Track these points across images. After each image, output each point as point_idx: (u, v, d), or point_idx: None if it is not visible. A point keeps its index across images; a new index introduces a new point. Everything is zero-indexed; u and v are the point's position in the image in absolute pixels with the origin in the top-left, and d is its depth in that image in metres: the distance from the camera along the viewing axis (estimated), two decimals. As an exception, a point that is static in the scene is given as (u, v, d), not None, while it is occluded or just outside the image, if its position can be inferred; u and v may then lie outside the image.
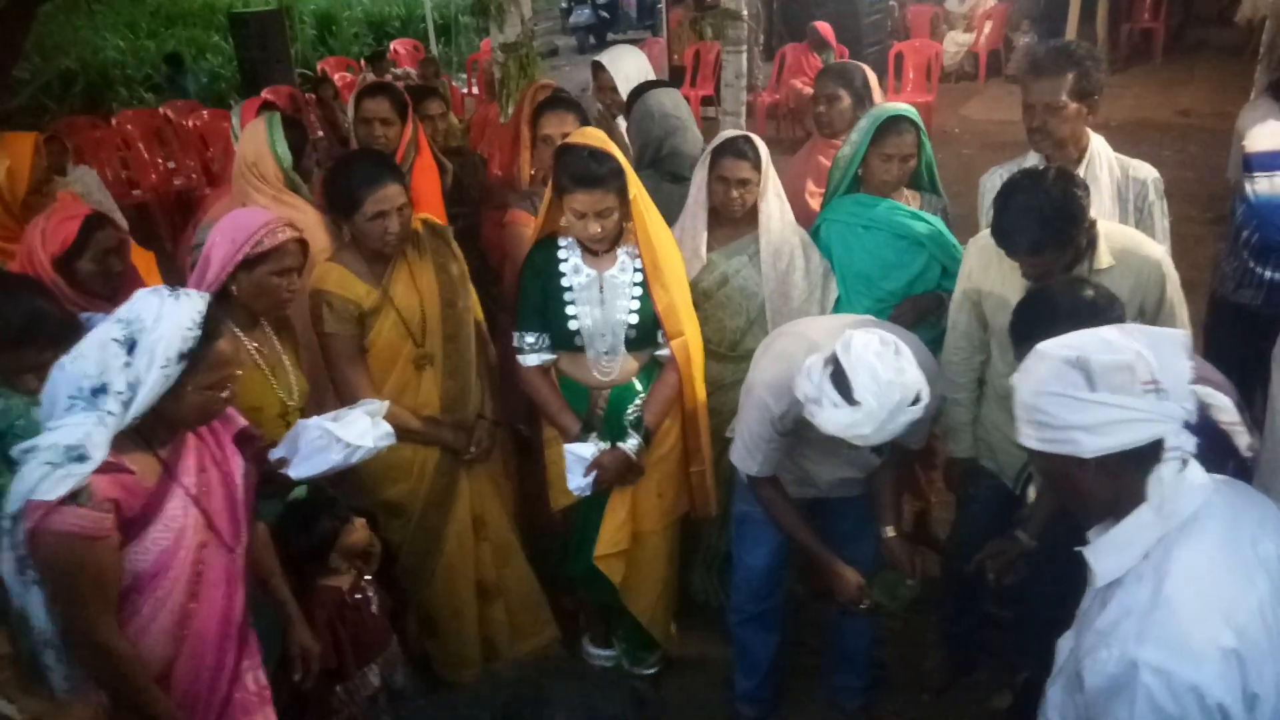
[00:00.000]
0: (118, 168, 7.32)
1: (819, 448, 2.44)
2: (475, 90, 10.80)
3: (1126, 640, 1.33)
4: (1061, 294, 2.04)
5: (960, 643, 3.04)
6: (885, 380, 1.98)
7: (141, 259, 3.03)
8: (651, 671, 3.08)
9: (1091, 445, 1.38)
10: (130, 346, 1.72)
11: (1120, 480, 1.42)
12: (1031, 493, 2.73)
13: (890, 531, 2.48)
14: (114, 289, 2.51)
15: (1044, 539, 2.59)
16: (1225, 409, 1.43)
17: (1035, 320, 2.00)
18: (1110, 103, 2.63)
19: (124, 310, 1.78)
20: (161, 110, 8.24)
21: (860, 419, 1.99)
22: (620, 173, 2.50)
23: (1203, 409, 1.42)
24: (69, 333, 2.01)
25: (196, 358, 1.77)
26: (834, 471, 2.51)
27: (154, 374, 1.72)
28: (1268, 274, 3.22)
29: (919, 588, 2.47)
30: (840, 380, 2.02)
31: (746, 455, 2.43)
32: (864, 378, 1.98)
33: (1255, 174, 3.18)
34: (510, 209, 3.21)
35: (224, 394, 1.88)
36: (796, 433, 2.37)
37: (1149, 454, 1.39)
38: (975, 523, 2.85)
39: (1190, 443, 1.39)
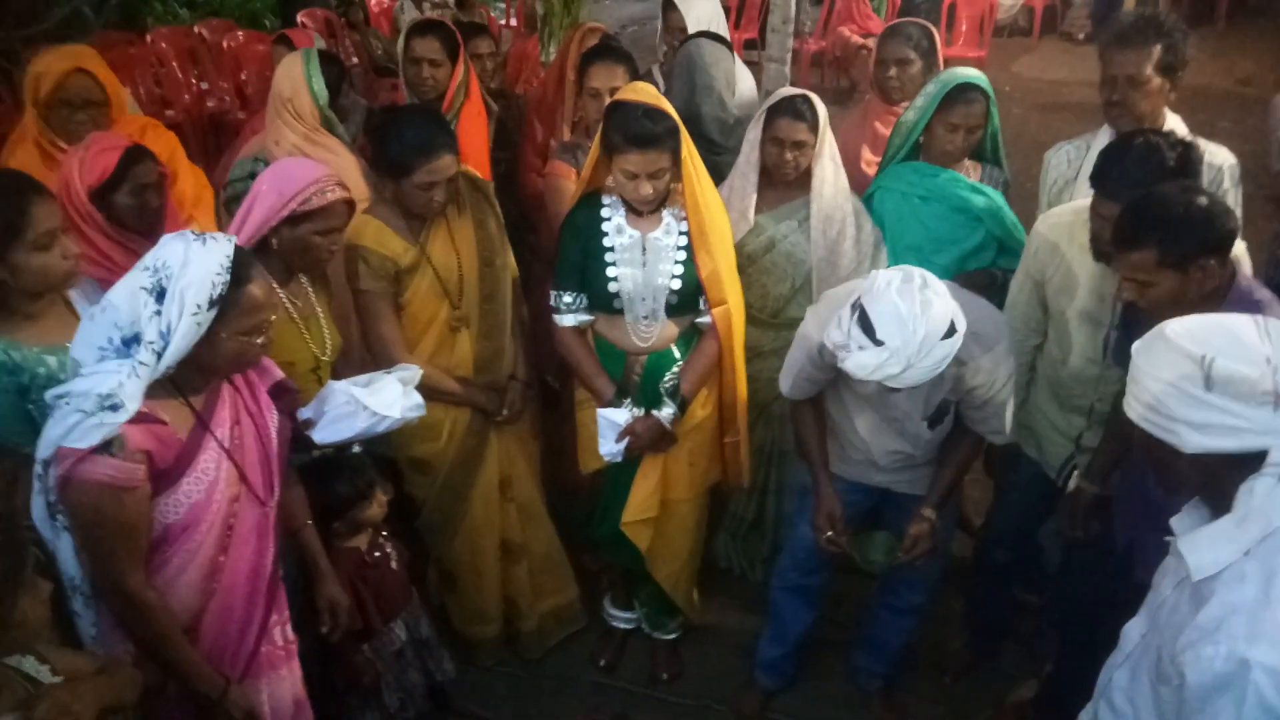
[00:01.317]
0: (151, 86, 7.21)
1: (871, 407, 2.38)
2: (514, 22, 10.55)
3: (1236, 638, 1.32)
4: (1174, 198, 1.91)
5: (986, 627, 3.01)
6: (909, 314, 1.92)
7: (193, 176, 2.98)
8: (672, 637, 3.07)
9: (1193, 442, 1.38)
10: (159, 295, 1.67)
11: (1215, 476, 1.41)
12: (1074, 484, 2.67)
13: (929, 512, 2.41)
14: (151, 224, 2.45)
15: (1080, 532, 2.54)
16: None
17: (1142, 223, 1.91)
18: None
19: (150, 257, 1.72)
20: (196, 29, 8.09)
21: (887, 358, 1.94)
22: (675, 132, 2.40)
23: None
24: None
25: (228, 303, 1.72)
26: (886, 442, 2.42)
27: (185, 322, 1.67)
28: None
29: (894, 562, 2.43)
30: (865, 322, 1.97)
31: (785, 373, 2.45)
32: (886, 315, 1.93)
33: None
34: (551, 160, 3.11)
35: (260, 339, 1.83)
36: (842, 378, 2.30)
37: (1251, 462, 1.36)
38: (1014, 511, 2.80)
39: None
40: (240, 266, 1.74)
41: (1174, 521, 1.52)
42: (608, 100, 2.74)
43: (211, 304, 1.69)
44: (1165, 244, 1.87)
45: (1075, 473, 2.48)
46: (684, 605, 2.98)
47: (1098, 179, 2.18)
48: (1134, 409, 1.46)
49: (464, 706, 2.87)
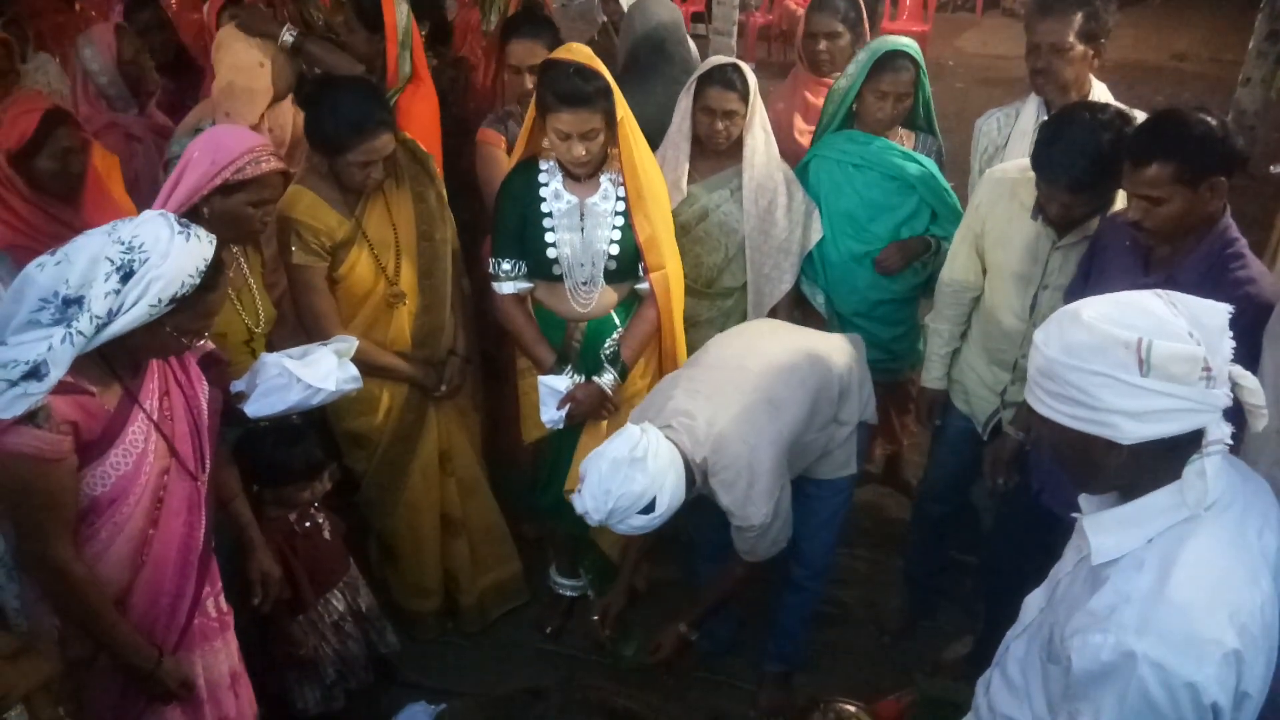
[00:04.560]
0: (80, 56, 6.97)
1: None
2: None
3: (1125, 629, 1.26)
4: (1190, 116, 1.91)
5: (922, 587, 3.08)
6: (610, 482, 2.02)
7: (105, 162, 2.89)
8: (617, 602, 3.09)
9: (1132, 432, 1.27)
10: (125, 275, 1.63)
11: (1146, 465, 1.32)
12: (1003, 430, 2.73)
13: (682, 627, 2.51)
14: (73, 190, 2.40)
15: (1015, 493, 2.60)
16: (1254, 391, 1.29)
17: (1161, 139, 1.92)
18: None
19: (127, 230, 1.67)
20: (126, -4, 7.83)
21: (588, 510, 2.07)
22: (608, 92, 2.39)
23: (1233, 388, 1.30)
24: None
25: (186, 303, 1.70)
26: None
27: (140, 309, 1.65)
28: None
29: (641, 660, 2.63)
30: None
31: None
32: (592, 479, 2.05)
33: None
34: (481, 129, 3.07)
35: (198, 341, 1.84)
36: None
37: (1188, 443, 1.29)
38: (944, 467, 2.87)
39: (1228, 432, 1.29)
40: (212, 271, 1.73)
41: (1082, 499, 1.48)
42: (527, 76, 2.74)
43: (173, 301, 1.68)
44: (1184, 158, 1.90)
45: (1002, 422, 2.56)
46: (630, 574, 2.98)
47: (1036, 164, 2.22)
48: (1048, 406, 1.34)
49: (407, 677, 2.87)
